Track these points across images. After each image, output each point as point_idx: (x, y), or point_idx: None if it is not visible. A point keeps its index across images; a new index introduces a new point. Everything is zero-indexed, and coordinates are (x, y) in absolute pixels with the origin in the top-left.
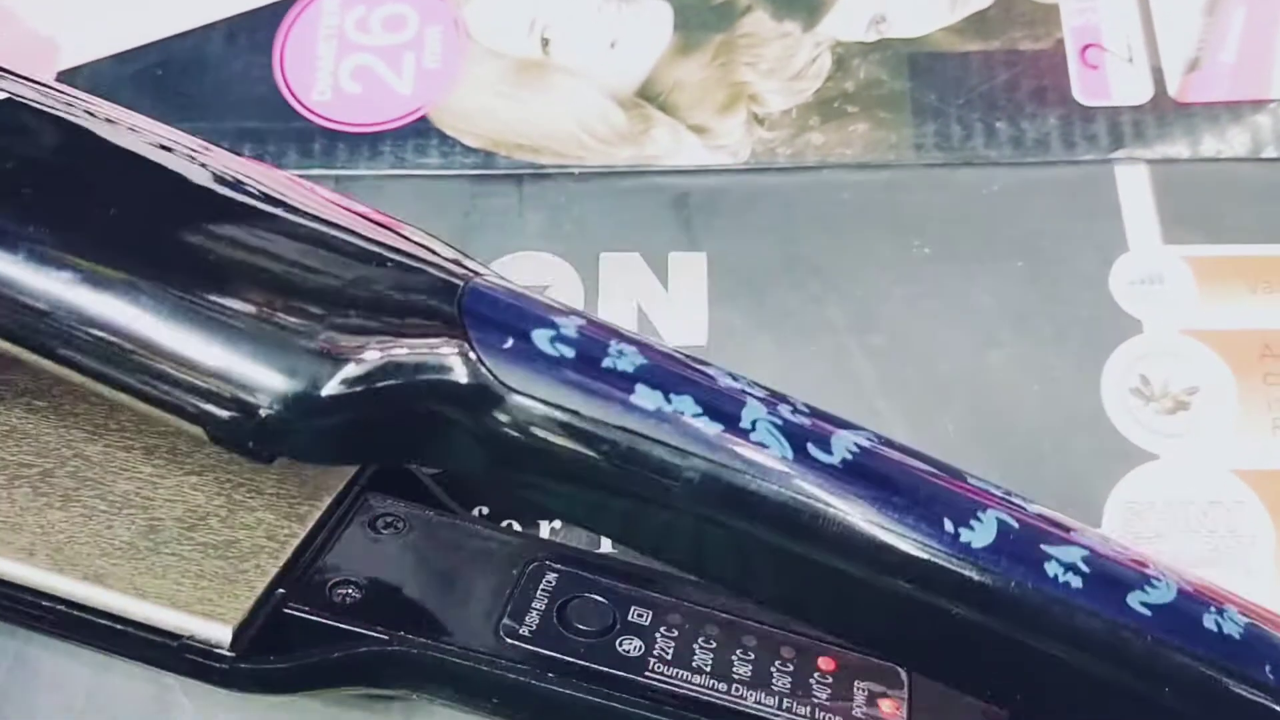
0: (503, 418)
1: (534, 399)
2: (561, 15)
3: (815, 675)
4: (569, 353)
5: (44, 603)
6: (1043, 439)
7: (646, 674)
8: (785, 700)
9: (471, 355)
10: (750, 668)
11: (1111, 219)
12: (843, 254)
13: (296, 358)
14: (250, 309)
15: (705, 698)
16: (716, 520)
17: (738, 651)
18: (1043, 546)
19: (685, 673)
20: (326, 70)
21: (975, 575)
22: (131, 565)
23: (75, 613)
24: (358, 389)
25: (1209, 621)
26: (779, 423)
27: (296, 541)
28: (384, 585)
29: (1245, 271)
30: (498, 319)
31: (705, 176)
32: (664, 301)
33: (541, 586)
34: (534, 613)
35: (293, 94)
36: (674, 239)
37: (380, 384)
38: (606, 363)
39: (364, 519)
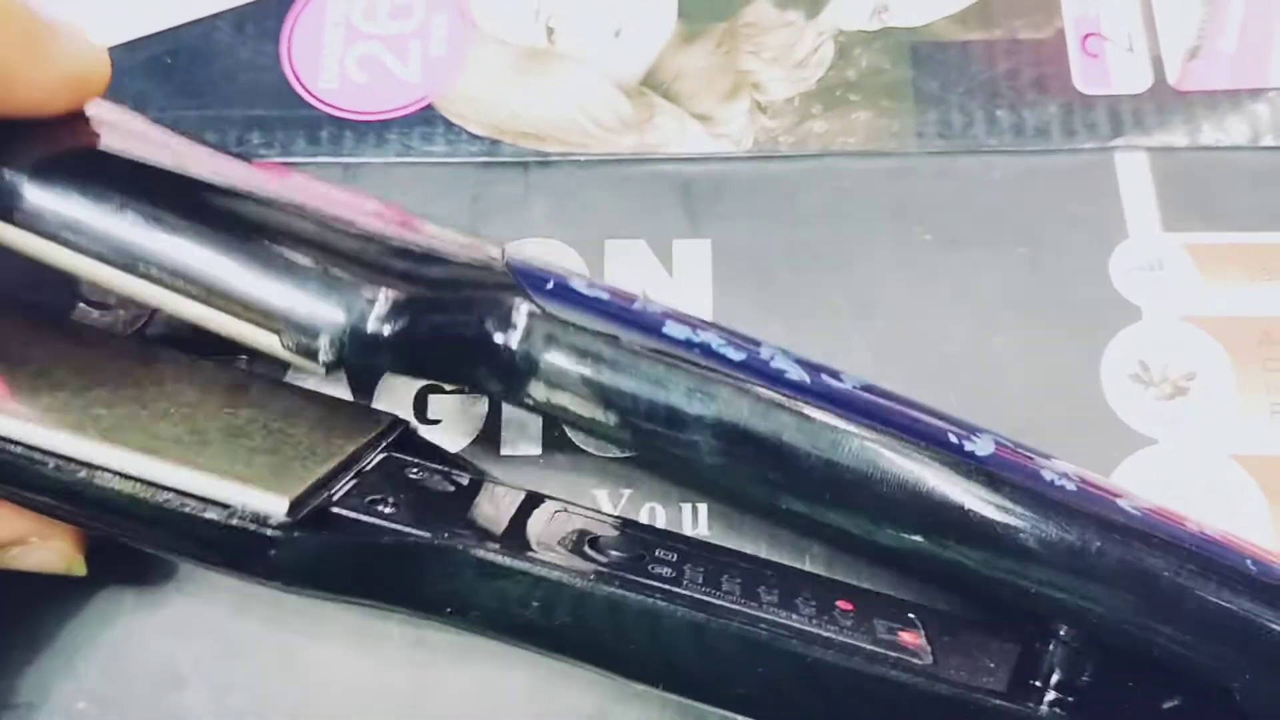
0: (550, 346)
1: (578, 327)
2: (566, 3)
3: (836, 611)
4: (604, 295)
5: (95, 479)
6: (1043, 424)
7: (684, 586)
8: (814, 620)
9: (520, 294)
10: (776, 597)
11: (1112, 206)
12: (845, 241)
13: (357, 301)
14: (338, 270)
15: (742, 609)
16: (745, 435)
17: (761, 588)
18: (1034, 460)
19: (718, 592)
20: (334, 58)
21: (983, 476)
22: (180, 449)
23: (123, 488)
24: (417, 319)
25: (1191, 526)
26: (794, 359)
27: (337, 459)
28: (422, 508)
29: (1245, 259)
30: (538, 270)
31: (709, 164)
32: (669, 288)
33: (570, 526)
34: (568, 540)
35: (300, 82)
36: (679, 226)
37: (439, 315)
38: (637, 305)
39: (393, 464)
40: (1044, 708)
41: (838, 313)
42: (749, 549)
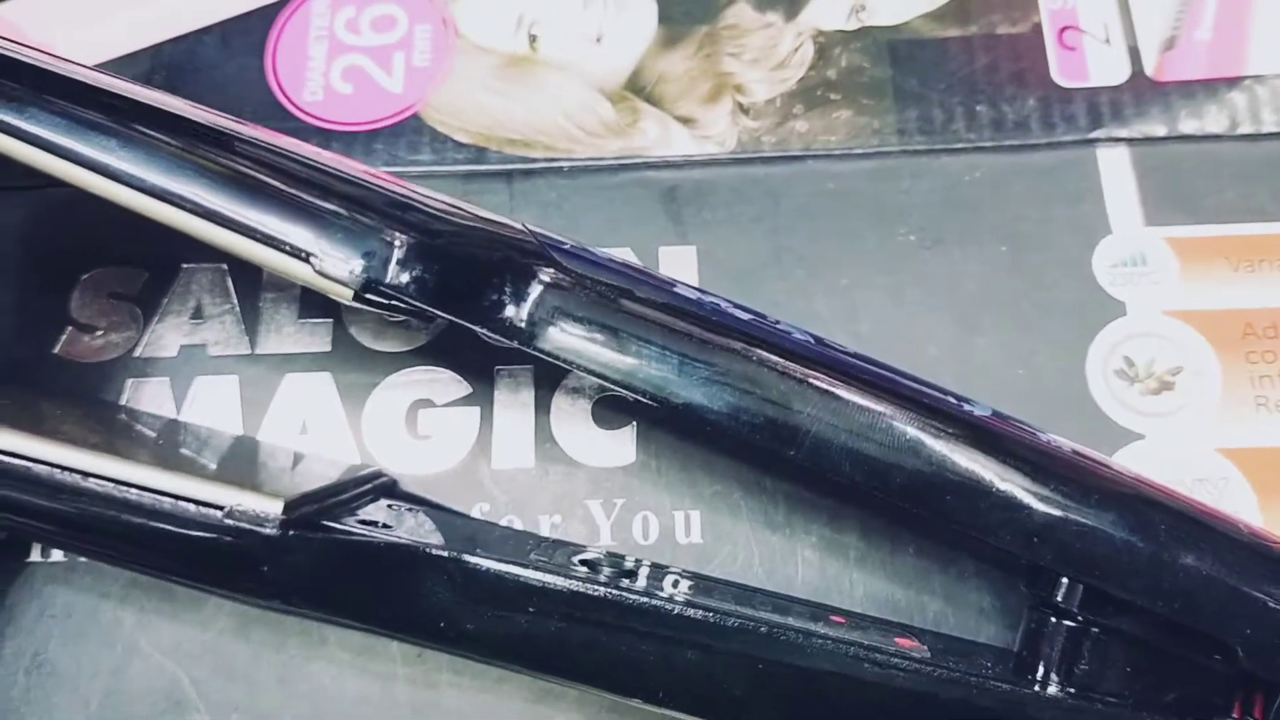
0: (566, 297)
1: (595, 282)
2: (548, 11)
3: (830, 621)
4: (616, 262)
5: (87, 486)
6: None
7: (674, 599)
8: (809, 624)
9: (540, 250)
10: (770, 607)
11: (1094, 202)
12: (828, 244)
13: (386, 232)
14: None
15: (740, 610)
16: (755, 385)
17: (755, 600)
18: (1029, 427)
19: (708, 600)
20: (318, 71)
21: (984, 431)
22: (173, 460)
23: (115, 493)
24: (442, 258)
25: (1183, 495)
26: (799, 326)
27: (327, 483)
28: (414, 531)
29: (1227, 251)
30: (553, 236)
31: (693, 170)
32: None
33: (558, 550)
34: (552, 557)
35: (285, 95)
36: (664, 232)
37: (463, 258)
38: (650, 271)
39: (383, 503)
40: (1050, 689)
41: (820, 317)
42: (741, 554)
